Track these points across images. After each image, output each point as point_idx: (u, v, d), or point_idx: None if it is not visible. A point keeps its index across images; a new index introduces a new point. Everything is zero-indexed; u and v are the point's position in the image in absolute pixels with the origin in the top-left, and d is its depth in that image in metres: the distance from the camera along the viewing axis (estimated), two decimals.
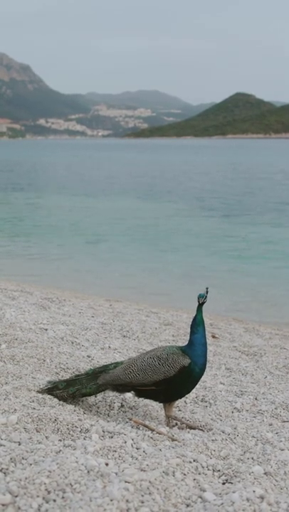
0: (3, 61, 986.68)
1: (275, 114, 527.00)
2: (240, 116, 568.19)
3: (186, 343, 4.99)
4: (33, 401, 4.87)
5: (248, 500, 3.27)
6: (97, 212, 29.78)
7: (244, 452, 4.36)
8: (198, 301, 4.82)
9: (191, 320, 4.92)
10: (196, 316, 4.85)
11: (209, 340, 8.66)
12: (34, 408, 4.67)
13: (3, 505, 3.06)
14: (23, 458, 3.61)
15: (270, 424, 5.13)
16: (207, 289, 4.88)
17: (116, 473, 3.46)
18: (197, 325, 4.81)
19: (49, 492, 3.20)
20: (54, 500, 3.13)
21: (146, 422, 4.70)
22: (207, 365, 6.08)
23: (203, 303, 4.82)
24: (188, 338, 8.46)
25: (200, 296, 4.82)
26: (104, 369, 5.03)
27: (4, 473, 3.41)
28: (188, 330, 9.08)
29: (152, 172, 65.09)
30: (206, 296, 4.82)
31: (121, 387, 4.90)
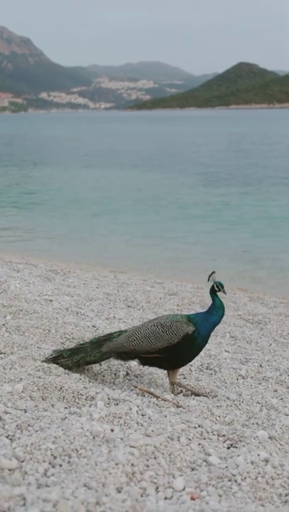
0: (4, 34, 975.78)
1: (278, 83, 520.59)
2: (243, 86, 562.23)
3: (191, 312, 4.98)
4: (39, 370, 4.90)
5: (252, 463, 3.30)
6: (100, 185, 29.67)
7: (249, 418, 4.40)
8: (215, 289, 4.84)
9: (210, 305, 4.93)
10: (214, 301, 4.86)
11: None
12: (40, 377, 4.69)
13: (9, 470, 3.09)
14: (29, 425, 3.64)
15: (275, 391, 5.17)
16: (213, 273, 4.90)
17: (121, 439, 3.48)
18: (218, 308, 4.84)
19: (55, 457, 3.23)
20: (60, 465, 3.17)
21: (152, 390, 4.73)
22: (212, 334, 6.09)
23: (217, 291, 4.85)
24: (192, 307, 8.46)
25: (218, 284, 4.83)
26: (109, 337, 5.04)
27: (11, 439, 3.45)
28: (193, 299, 9.08)
29: (155, 144, 64.67)
30: (219, 285, 4.84)
31: (125, 355, 4.91)
